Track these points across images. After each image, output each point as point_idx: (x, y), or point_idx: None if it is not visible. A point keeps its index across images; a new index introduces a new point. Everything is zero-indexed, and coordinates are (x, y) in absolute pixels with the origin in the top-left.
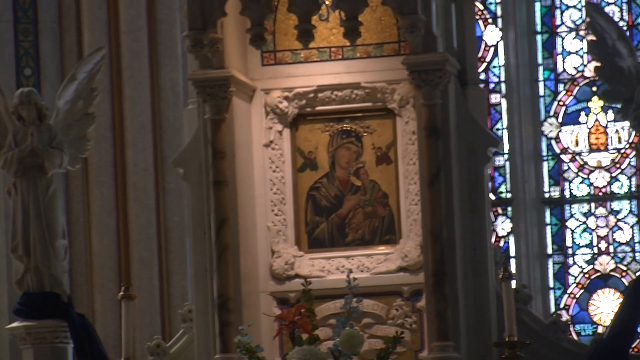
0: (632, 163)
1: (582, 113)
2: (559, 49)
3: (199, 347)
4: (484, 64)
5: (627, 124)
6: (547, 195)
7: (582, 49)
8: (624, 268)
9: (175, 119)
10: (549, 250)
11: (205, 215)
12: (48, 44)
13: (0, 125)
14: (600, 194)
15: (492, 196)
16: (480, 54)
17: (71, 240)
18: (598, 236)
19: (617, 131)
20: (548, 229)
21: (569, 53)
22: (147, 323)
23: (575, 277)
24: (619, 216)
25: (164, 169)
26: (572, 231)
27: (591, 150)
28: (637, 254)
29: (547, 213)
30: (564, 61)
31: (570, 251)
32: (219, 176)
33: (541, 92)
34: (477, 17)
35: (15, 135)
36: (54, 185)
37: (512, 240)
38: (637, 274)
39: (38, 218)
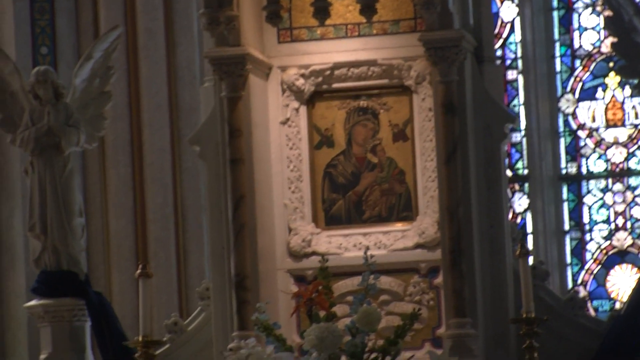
0: None
1: (599, 89)
2: (575, 25)
3: (217, 325)
4: (501, 41)
5: None
6: (564, 171)
7: (598, 24)
8: None
9: (191, 97)
10: (566, 227)
11: (222, 194)
12: (64, 23)
13: (17, 104)
14: (617, 169)
15: (509, 173)
16: (496, 31)
17: (88, 219)
18: (615, 212)
19: (634, 107)
20: (565, 205)
21: (586, 29)
22: (164, 301)
23: (593, 253)
24: (636, 192)
25: (180, 148)
26: (589, 207)
27: (608, 126)
28: None
29: (564, 189)
30: (580, 37)
31: (587, 227)
32: (236, 154)
33: (558, 68)
34: None
35: (31, 114)
36: (70, 164)
37: (529, 216)
38: None
39: (55, 197)
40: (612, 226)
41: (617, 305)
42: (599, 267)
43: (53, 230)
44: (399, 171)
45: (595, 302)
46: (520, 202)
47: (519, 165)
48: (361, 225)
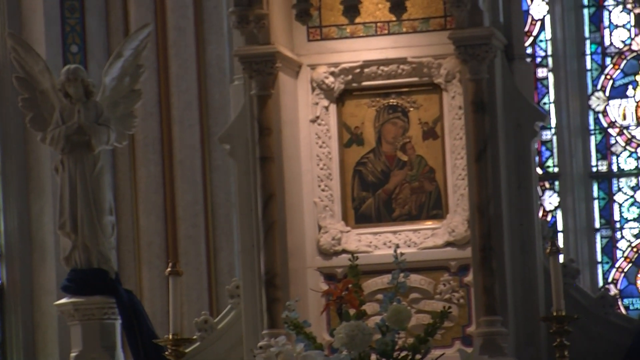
0: None
1: (630, 86)
2: (606, 23)
3: (247, 323)
4: (531, 38)
5: None
6: (594, 169)
7: (629, 22)
8: None
9: (221, 95)
10: (597, 225)
11: (252, 192)
12: (94, 21)
13: (47, 103)
14: None
15: (539, 171)
16: (527, 28)
17: (118, 217)
18: None
19: None
20: (596, 203)
21: (616, 26)
22: (194, 299)
23: (623, 251)
24: None
25: (210, 146)
26: (620, 205)
27: (639, 124)
28: None
29: (595, 187)
30: (611, 34)
31: (618, 225)
32: (266, 152)
33: (588, 65)
34: None
35: (62, 113)
36: (101, 162)
37: (559, 214)
38: None
39: (85, 195)
40: None
41: None
42: (630, 265)
43: (83, 228)
44: (428, 169)
45: (626, 300)
46: (551, 200)
47: (550, 163)
48: (391, 224)
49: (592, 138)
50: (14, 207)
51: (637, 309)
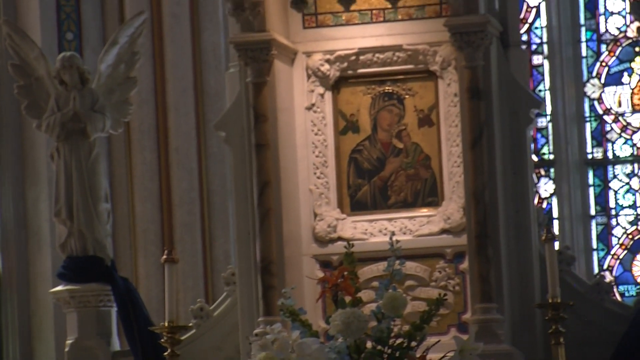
0: None
1: (625, 73)
2: (601, 10)
3: (242, 310)
4: (526, 25)
5: None
6: (589, 156)
7: (624, 9)
8: None
9: (216, 82)
10: (592, 212)
11: (248, 179)
12: (90, 9)
13: (43, 90)
14: None
15: (534, 158)
16: (522, 15)
17: (114, 204)
18: None
19: None
20: (591, 190)
21: (612, 13)
22: (190, 286)
23: (619, 238)
24: None
25: (206, 133)
26: (615, 192)
27: (634, 111)
28: None
29: (590, 174)
30: (606, 22)
31: (613, 212)
32: (261, 139)
33: (583, 53)
34: None
35: (57, 100)
36: (96, 149)
37: (555, 201)
38: None
39: (81, 182)
40: (639, 211)
41: None
42: (625, 252)
43: (79, 216)
44: (424, 156)
45: (622, 287)
46: (546, 187)
47: (545, 150)
48: (386, 211)
49: (588, 125)
50: (10, 195)
51: (632, 295)
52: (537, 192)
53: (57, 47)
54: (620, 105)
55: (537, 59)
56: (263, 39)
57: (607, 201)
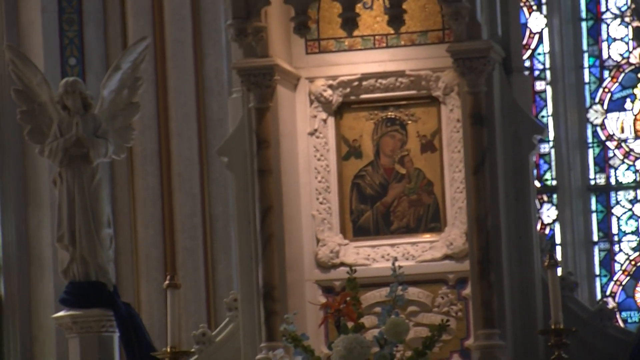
0: None
1: (628, 100)
2: (604, 36)
3: (245, 336)
4: (529, 51)
5: None
6: (592, 182)
7: (627, 35)
8: None
9: (219, 108)
10: (595, 238)
11: (250, 204)
12: (92, 34)
13: (46, 115)
14: None
15: (537, 183)
16: (525, 41)
17: (116, 230)
18: None
19: None
20: (594, 216)
21: (614, 39)
22: (192, 312)
23: (622, 265)
24: None
25: (208, 158)
26: (618, 218)
27: (637, 137)
28: None
29: (593, 200)
30: (609, 48)
31: (616, 238)
32: (264, 165)
33: (586, 79)
34: (522, 4)
35: (60, 125)
36: (99, 174)
37: (557, 227)
38: None
39: (83, 207)
40: None
41: None
42: (628, 278)
43: (81, 241)
44: (427, 182)
45: (624, 314)
46: (549, 213)
47: (548, 176)
48: (389, 236)
49: (590, 151)
50: (12, 220)
51: (635, 322)
52: (539, 218)
53: (60, 72)
54: (622, 131)
55: (539, 85)
56: (266, 64)
57: (610, 227)
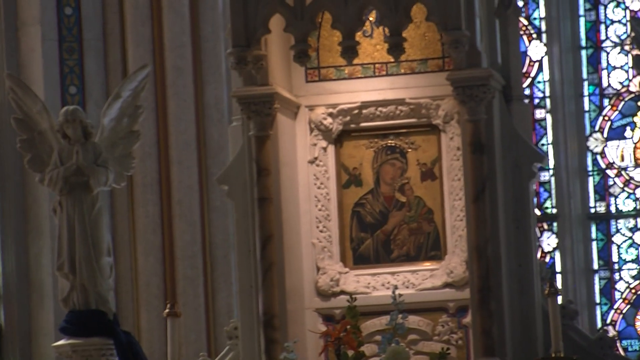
0: None
1: (628, 128)
2: (603, 64)
3: None
4: (529, 79)
5: None
6: (592, 210)
7: (627, 63)
8: None
9: (219, 136)
10: (595, 266)
11: (250, 233)
12: (93, 62)
13: (46, 144)
14: None
15: (537, 212)
16: (524, 69)
17: (117, 258)
18: None
19: None
20: (594, 244)
21: (614, 68)
22: (192, 340)
23: (622, 293)
24: None
25: (208, 186)
26: (618, 246)
27: (637, 165)
28: None
29: (593, 228)
30: (609, 76)
31: (616, 266)
32: (264, 193)
33: (586, 107)
34: (522, 32)
35: (60, 153)
36: (99, 203)
37: (557, 255)
38: None
39: (83, 236)
40: None
41: None
42: (628, 306)
43: (82, 269)
44: (427, 210)
45: (625, 342)
46: (549, 241)
47: (548, 204)
48: (389, 265)
49: (590, 179)
50: (12, 248)
51: (635, 350)
52: (540, 246)
53: (60, 100)
54: (622, 159)
55: (539, 113)
56: (266, 92)
57: (610, 255)
